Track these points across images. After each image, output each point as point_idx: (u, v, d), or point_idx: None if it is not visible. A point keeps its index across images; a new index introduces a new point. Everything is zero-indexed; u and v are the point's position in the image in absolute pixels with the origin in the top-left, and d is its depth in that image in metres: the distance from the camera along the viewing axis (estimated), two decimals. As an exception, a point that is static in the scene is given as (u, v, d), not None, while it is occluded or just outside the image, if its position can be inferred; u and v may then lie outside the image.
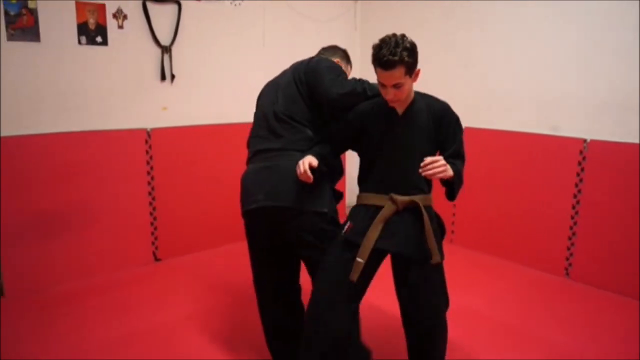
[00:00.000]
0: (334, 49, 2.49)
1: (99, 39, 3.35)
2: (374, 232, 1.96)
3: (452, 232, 4.23)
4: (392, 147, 2.03)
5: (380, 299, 2.68)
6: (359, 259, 1.93)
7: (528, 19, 3.65)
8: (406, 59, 1.84)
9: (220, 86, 4.02)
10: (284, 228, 2.09)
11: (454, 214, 4.21)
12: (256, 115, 2.31)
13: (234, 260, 3.77)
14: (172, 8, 3.66)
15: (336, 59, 2.38)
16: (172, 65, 3.70)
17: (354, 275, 1.94)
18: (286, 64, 4.50)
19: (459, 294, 3.18)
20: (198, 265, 3.69)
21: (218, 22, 3.94)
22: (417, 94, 2.09)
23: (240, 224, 4.44)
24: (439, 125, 2.03)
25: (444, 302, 2.14)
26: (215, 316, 2.92)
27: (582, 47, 3.41)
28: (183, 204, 3.84)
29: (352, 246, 1.98)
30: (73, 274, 3.35)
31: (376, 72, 1.92)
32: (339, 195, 2.30)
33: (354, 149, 2.19)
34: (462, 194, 4.36)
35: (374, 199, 2.06)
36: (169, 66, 3.68)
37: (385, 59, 1.84)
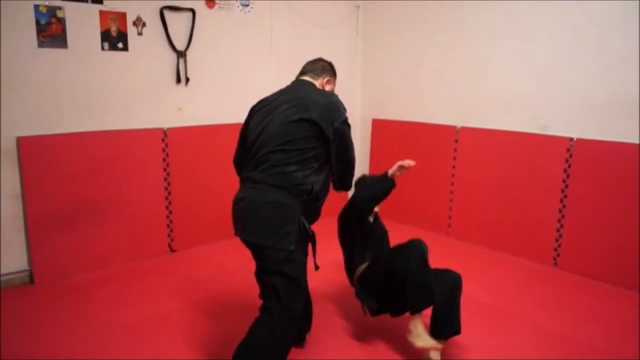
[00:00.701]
0: (322, 67, 2.46)
1: (120, 45, 3.58)
2: None
3: (449, 225, 4.46)
4: None
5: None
6: None
7: (519, 24, 3.85)
8: None
9: (231, 88, 4.24)
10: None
11: (450, 209, 4.43)
12: (246, 136, 2.36)
13: (245, 252, 3.99)
14: (187, 16, 3.89)
15: (326, 78, 2.44)
16: (187, 68, 3.92)
17: None
18: (292, 67, 4.73)
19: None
20: (211, 256, 3.91)
21: (229, 28, 4.16)
22: None
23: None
24: None
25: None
26: (227, 303, 3.14)
27: (570, 50, 3.60)
28: (197, 198, 4.07)
29: None
30: (95, 263, 3.59)
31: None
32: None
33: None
34: (458, 189, 4.64)
35: None
36: (184, 70, 3.91)
37: None
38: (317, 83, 2.41)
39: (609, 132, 3.46)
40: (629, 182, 3.36)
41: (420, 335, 2.44)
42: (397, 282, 2.45)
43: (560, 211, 3.70)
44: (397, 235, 4.45)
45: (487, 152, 4.13)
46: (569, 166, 3.63)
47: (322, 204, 2.34)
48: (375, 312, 2.62)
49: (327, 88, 2.43)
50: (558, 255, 3.73)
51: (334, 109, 2.20)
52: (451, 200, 4.42)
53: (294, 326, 2.19)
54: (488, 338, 2.75)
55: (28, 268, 3.40)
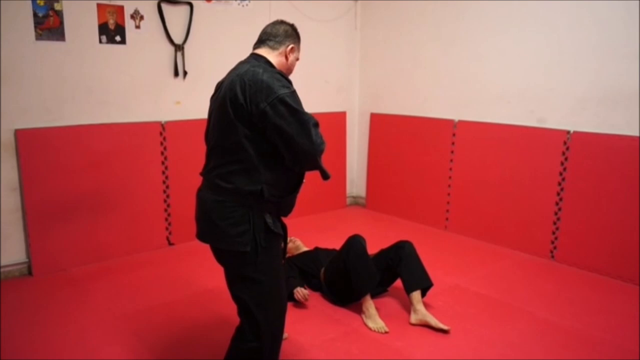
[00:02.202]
0: (284, 32, 2.03)
1: (118, 38, 3.59)
2: None
3: (447, 219, 4.47)
4: None
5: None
6: None
7: (516, 18, 3.85)
8: None
9: (229, 82, 4.25)
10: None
11: (448, 202, 4.45)
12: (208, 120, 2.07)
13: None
14: (184, 9, 3.90)
15: (290, 45, 2.02)
16: (185, 62, 3.94)
17: None
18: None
19: (450, 274, 3.47)
20: (208, 250, 3.92)
21: (227, 22, 4.17)
22: None
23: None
24: None
25: None
26: (224, 297, 3.12)
27: (566, 43, 3.61)
28: (195, 191, 4.07)
29: None
30: (94, 256, 3.61)
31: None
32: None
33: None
34: (455, 183, 4.67)
35: None
36: (181, 63, 3.92)
37: None
38: (278, 53, 2.00)
39: (605, 125, 3.47)
40: (625, 174, 3.36)
41: (372, 317, 2.77)
42: (346, 273, 2.82)
43: (557, 204, 3.71)
44: (394, 230, 4.50)
45: (484, 145, 4.15)
46: (566, 159, 3.64)
47: (292, 197, 2.00)
48: (343, 304, 3.00)
49: (292, 57, 2.04)
50: (555, 248, 3.75)
51: (259, 88, 1.78)
52: (449, 194, 4.44)
53: (273, 348, 1.97)
54: (485, 329, 2.76)
55: (27, 260, 3.42)
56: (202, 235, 1.98)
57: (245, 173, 1.84)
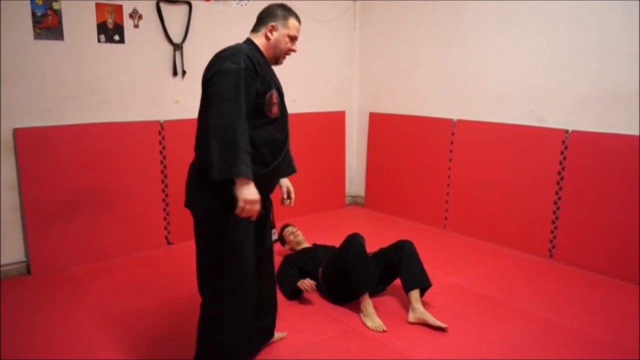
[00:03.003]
0: (266, 14, 2.13)
1: (116, 37, 3.59)
2: None
3: (445, 218, 4.48)
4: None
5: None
6: None
7: (516, 17, 3.85)
8: None
9: (228, 82, 4.25)
10: None
11: (447, 202, 4.45)
12: None
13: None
14: (183, 9, 3.90)
15: (270, 24, 2.09)
16: (184, 61, 3.94)
17: None
18: (288, 61, 4.74)
19: (449, 273, 3.47)
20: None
21: (225, 22, 4.17)
22: None
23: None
24: None
25: None
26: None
27: (565, 43, 3.62)
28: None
29: None
30: (92, 255, 3.61)
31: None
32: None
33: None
34: (454, 182, 4.66)
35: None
36: (180, 63, 3.92)
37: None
38: (260, 35, 2.11)
39: (605, 125, 3.47)
40: (624, 173, 3.37)
41: (370, 315, 2.77)
42: (345, 272, 2.81)
43: (555, 203, 3.72)
44: (393, 229, 4.50)
45: (483, 144, 4.15)
46: (565, 158, 3.64)
47: (265, 172, 2.04)
48: (342, 303, 2.99)
49: (275, 35, 2.09)
50: (554, 247, 3.75)
51: (211, 63, 1.98)
52: (448, 193, 4.44)
53: (227, 321, 2.06)
54: (484, 328, 2.76)
55: (25, 259, 3.42)
56: (185, 202, 2.13)
57: (205, 145, 1.93)
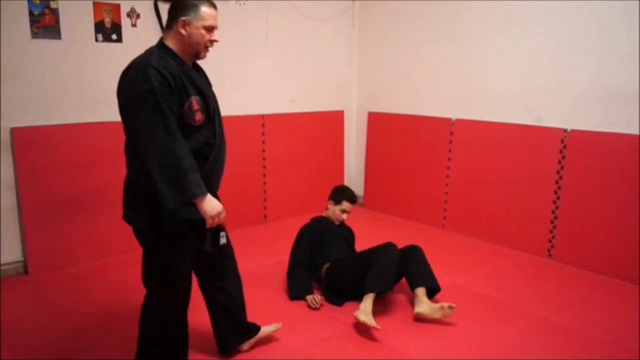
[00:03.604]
0: (174, 9, 1.96)
1: (114, 36, 3.58)
2: None
3: (444, 218, 4.47)
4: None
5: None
6: None
7: (514, 16, 3.85)
8: None
9: (226, 81, 4.24)
10: None
11: (445, 201, 4.44)
12: None
13: (237, 243, 4.00)
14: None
15: (181, 19, 1.91)
16: (182, 61, 3.93)
17: None
18: (287, 61, 4.77)
19: (448, 273, 3.45)
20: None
21: (223, 21, 4.11)
22: None
23: (242, 210, 4.72)
24: None
25: None
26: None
27: (564, 42, 3.61)
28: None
29: None
30: (90, 254, 3.60)
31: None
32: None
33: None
34: (453, 182, 4.65)
35: None
36: (178, 62, 3.91)
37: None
38: (173, 33, 1.94)
39: (603, 124, 3.46)
40: (623, 173, 3.36)
41: (366, 312, 2.69)
42: (366, 266, 2.81)
43: (554, 202, 3.71)
44: (392, 229, 4.49)
45: (482, 144, 4.14)
46: (563, 157, 3.64)
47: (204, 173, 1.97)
48: (341, 304, 2.99)
49: (189, 30, 1.92)
50: (552, 246, 3.74)
51: (121, 84, 1.91)
52: (446, 193, 4.43)
53: (160, 314, 2.14)
54: (484, 328, 2.76)
55: (22, 259, 3.41)
56: (123, 215, 2.11)
57: (134, 160, 1.95)
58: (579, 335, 2.69)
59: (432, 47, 4.46)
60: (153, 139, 1.79)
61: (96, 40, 3.52)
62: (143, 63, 1.85)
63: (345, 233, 3.38)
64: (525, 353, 2.51)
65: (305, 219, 4.72)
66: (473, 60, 4.17)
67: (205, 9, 1.92)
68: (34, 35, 3.27)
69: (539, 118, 3.78)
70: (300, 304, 3.01)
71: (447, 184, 4.42)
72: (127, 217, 2.06)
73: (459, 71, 4.29)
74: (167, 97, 1.82)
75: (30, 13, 3.23)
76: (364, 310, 2.73)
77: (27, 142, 3.31)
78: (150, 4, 3.73)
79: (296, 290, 3.04)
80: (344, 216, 3.32)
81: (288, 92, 4.71)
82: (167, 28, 1.97)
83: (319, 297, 2.97)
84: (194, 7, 1.90)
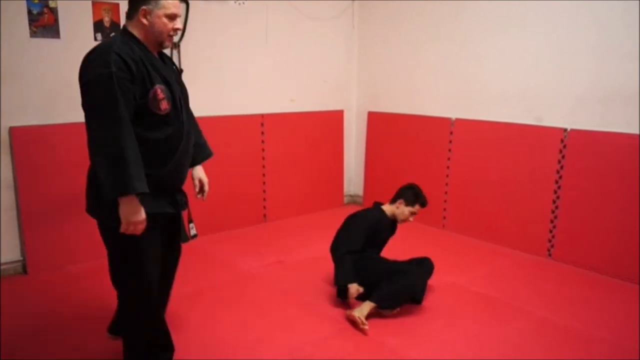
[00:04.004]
0: (133, 5, 1.94)
1: (113, 35, 3.58)
2: None
3: (444, 218, 4.46)
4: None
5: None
6: None
7: (514, 16, 3.85)
8: None
9: (225, 80, 4.25)
10: None
11: (445, 201, 4.44)
12: None
13: (243, 244, 4.02)
14: (181, 7, 3.88)
15: (142, 8, 1.90)
16: (181, 60, 3.92)
17: None
18: (287, 60, 4.76)
19: (448, 273, 3.45)
20: (205, 248, 3.91)
21: (223, 21, 4.16)
22: None
23: (241, 209, 4.70)
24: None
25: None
26: (220, 295, 3.16)
27: (564, 41, 3.61)
28: (192, 189, 4.07)
29: None
30: (89, 254, 3.57)
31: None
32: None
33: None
34: (452, 181, 4.63)
35: None
36: (177, 61, 3.90)
37: None
38: (135, 22, 1.93)
39: (603, 123, 3.46)
40: (623, 172, 3.35)
41: (362, 312, 2.70)
42: (394, 274, 2.81)
43: (554, 202, 3.70)
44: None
45: (481, 144, 4.14)
46: (563, 157, 3.63)
47: (166, 172, 1.98)
48: (344, 294, 2.92)
49: (149, 19, 1.91)
50: (552, 246, 3.74)
51: (81, 68, 1.88)
52: (446, 192, 4.42)
53: (135, 309, 2.11)
54: (484, 328, 2.75)
55: (21, 258, 3.41)
56: (86, 207, 2.11)
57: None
58: (579, 335, 2.69)
59: (432, 47, 4.46)
60: (99, 123, 1.78)
61: (95, 39, 3.51)
62: (105, 47, 1.83)
63: (390, 234, 3.25)
64: (525, 353, 2.51)
65: (304, 219, 4.76)
66: (473, 60, 4.17)
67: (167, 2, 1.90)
68: (33, 34, 3.26)
69: (538, 118, 3.78)
70: (298, 304, 3.00)
71: (446, 184, 4.41)
72: (90, 210, 2.05)
73: (458, 71, 4.28)
74: (124, 83, 1.79)
75: (29, 12, 3.23)
76: (360, 309, 2.73)
77: (26, 141, 3.31)
78: (150, 3, 3.72)
79: (344, 277, 2.85)
80: (411, 219, 3.16)
81: (288, 92, 4.70)
82: (128, 18, 1.95)
83: (360, 289, 2.84)
84: None
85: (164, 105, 1.92)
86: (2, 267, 3.34)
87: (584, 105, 3.55)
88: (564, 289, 3.27)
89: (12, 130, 3.26)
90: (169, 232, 2.19)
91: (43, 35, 3.30)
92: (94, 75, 1.78)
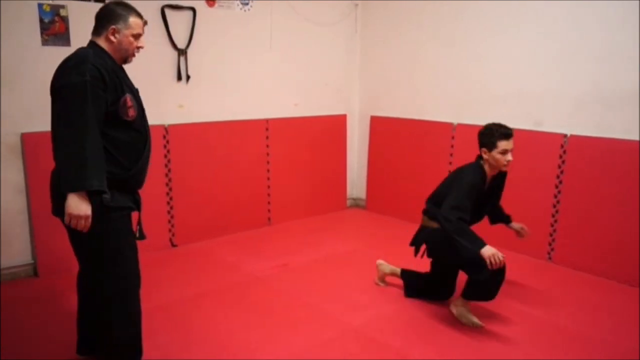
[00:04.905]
0: (103, 16, 2.08)
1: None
2: None
3: (446, 221, 4.52)
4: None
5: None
6: None
7: (515, 22, 3.91)
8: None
9: (231, 86, 4.31)
10: None
11: (447, 205, 4.49)
12: None
13: (246, 248, 4.08)
14: (187, 14, 3.96)
15: (111, 27, 2.06)
16: (188, 66, 3.99)
17: None
18: (291, 65, 4.81)
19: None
20: (212, 251, 3.97)
21: (229, 27, 4.23)
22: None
23: (247, 212, 4.74)
24: None
25: None
26: (227, 298, 3.21)
27: (564, 48, 3.66)
28: (198, 193, 4.14)
29: None
30: (98, 257, 3.66)
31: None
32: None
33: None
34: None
35: None
36: (184, 67, 3.97)
37: None
38: (103, 39, 2.07)
39: (602, 129, 3.52)
40: (622, 178, 3.41)
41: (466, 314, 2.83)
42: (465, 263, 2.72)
43: (554, 206, 3.76)
44: (394, 231, 4.54)
45: (483, 148, 4.18)
46: (563, 162, 3.69)
47: (132, 173, 2.11)
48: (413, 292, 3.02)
49: (118, 37, 2.06)
50: (552, 249, 3.79)
51: (57, 74, 2.01)
52: (448, 196, 4.48)
53: (122, 301, 2.17)
54: (484, 330, 2.81)
55: (32, 261, 3.48)
56: (52, 210, 2.19)
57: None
58: (578, 337, 2.75)
59: (434, 52, 4.52)
60: (67, 124, 1.92)
61: (104, 46, 3.58)
62: (82, 57, 1.98)
63: (494, 190, 2.98)
64: (525, 354, 2.57)
65: (308, 222, 4.83)
66: (476, 66, 4.22)
67: (133, 19, 2.10)
68: (44, 42, 3.33)
69: (538, 122, 3.83)
70: (300, 306, 3.06)
71: (448, 188, 4.47)
72: (57, 212, 2.12)
73: (461, 76, 4.34)
74: (97, 91, 1.94)
75: (41, 21, 3.30)
76: (464, 314, 2.84)
77: (37, 147, 3.37)
78: (158, 11, 3.80)
79: (478, 241, 2.65)
80: (509, 157, 2.75)
81: (292, 97, 4.77)
82: (95, 33, 2.11)
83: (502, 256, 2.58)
84: (124, 17, 2.07)
85: (132, 112, 2.09)
86: (14, 270, 3.41)
87: (584, 110, 3.60)
88: (563, 291, 3.33)
89: (24, 136, 3.33)
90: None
91: (54, 43, 3.37)
92: (69, 81, 1.92)
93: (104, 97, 1.97)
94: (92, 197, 1.97)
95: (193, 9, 3.96)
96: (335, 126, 5.13)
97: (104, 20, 2.07)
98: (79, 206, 1.93)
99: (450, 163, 4.43)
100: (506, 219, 3.28)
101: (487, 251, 2.57)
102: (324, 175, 5.05)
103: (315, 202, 4.99)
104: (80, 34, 3.44)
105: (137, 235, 2.32)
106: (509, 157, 2.76)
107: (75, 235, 2.09)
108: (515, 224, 3.25)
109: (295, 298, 3.17)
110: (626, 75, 3.37)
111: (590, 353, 2.59)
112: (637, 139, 3.34)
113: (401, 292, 3.22)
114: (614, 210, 3.46)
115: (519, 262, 3.80)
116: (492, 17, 4.06)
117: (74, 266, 3.53)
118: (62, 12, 3.37)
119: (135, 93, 2.17)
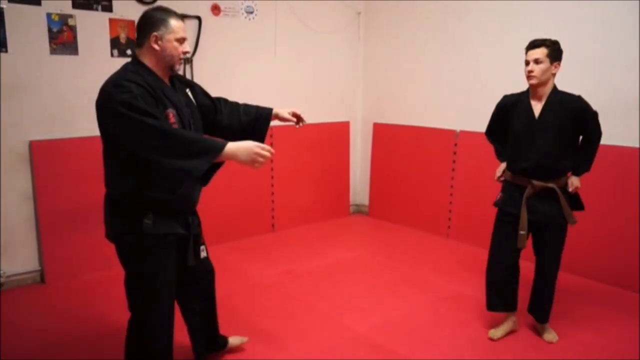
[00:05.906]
0: (143, 26, 1.96)
1: (129, 51, 3.68)
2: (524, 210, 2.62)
3: (449, 227, 4.55)
4: None
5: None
6: (521, 232, 2.69)
7: (517, 30, 3.93)
8: None
9: (236, 93, 4.29)
10: None
11: (450, 211, 4.53)
12: None
13: (247, 253, 4.10)
14: (193, 23, 4.00)
15: (153, 34, 1.94)
16: (193, 74, 4.03)
17: (521, 244, 2.73)
18: (295, 72, 4.85)
19: (452, 282, 3.54)
20: (215, 257, 3.93)
21: (234, 35, 4.27)
22: None
23: (251, 219, 4.76)
24: None
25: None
26: (233, 301, 3.24)
27: (566, 54, 3.70)
28: (201, 200, 4.12)
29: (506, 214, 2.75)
30: (105, 263, 3.64)
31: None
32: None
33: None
34: (457, 192, 4.68)
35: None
36: (190, 75, 4.02)
37: None
38: (145, 49, 1.96)
39: (604, 136, 3.54)
40: (622, 185, 3.45)
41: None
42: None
43: (556, 213, 3.79)
44: (397, 237, 4.57)
45: (485, 155, 4.21)
46: (565, 169, 3.72)
47: (179, 195, 2.04)
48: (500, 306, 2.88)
49: (162, 45, 1.93)
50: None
51: (100, 103, 1.92)
52: (451, 202, 4.52)
53: (147, 336, 2.12)
54: (481, 328, 2.85)
55: (39, 268, 3.50)
56: (105, 233, 2.15)
57: (111, 171, 2.00)
58: (579, 342, 2.78)
59: (436, 59, 4.57)
60: (148, 132, 1.79)
61: (112, 55, 3.62)
62: (119, 77, 1.89)
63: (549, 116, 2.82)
64: (526, 357, 2.59)
65: (311, 228, 4.85)
66: (478, 72, 4.27)
67: (174, 22, 1.95)
68: (53, 51, 3.38)
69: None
70: (307, 313, 3.08)
71: (451, 194, 4.51)
72: (109, 236, 2.09)
73: (463, 83, 4.38)
74: (148, 99, 1.85)
75: (49, 30, 3.34)
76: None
77: (45, 154, 3.41)
78: (164, 20, 3.83)
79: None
80: (530, 68, 2.72)
81: (295, 104, 4.77)
82: (138, 45, 1.99)
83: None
84: (164, 21, 1.93)
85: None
86: (21, 276, 3.44)
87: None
88: (565, 297, 3.35)
89: (32, 144, 3.36)
90: (182, 254, 2.22)
91: (62, 52, 3.41)
92: (118, 103, 1.81)
93: (154, 106, 1.88)
94: (130, 225, 1.94)
95: (199, 18, 4.01)
96: (338, 133, 5.17)
97: (144, 28, 1.94)
98: (245, 150, 1.84)
99: (453, 170, 4.47)
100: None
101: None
102: (327, 181, 5.08)
103: (318, 209, 5.02)
104: (88, 42, 3.51)
105: (188, 260, 2.18)
106: (532, 68, 2.75)
107: (120, 259, 2.13)
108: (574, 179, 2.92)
109: (302, 304, 3.20)
110: (627, 82, 3.41)
111: (591, 357, 2.61)
112: (637, 146, 3.38)
113: (407, 297, 3.23)
114: (614, 215, 3.50)
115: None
116: (495, 24, 4.11)
117: (81, 273, 3.59)
118: (70, 22, 3.42)
119: (179, 109, 2.01)
